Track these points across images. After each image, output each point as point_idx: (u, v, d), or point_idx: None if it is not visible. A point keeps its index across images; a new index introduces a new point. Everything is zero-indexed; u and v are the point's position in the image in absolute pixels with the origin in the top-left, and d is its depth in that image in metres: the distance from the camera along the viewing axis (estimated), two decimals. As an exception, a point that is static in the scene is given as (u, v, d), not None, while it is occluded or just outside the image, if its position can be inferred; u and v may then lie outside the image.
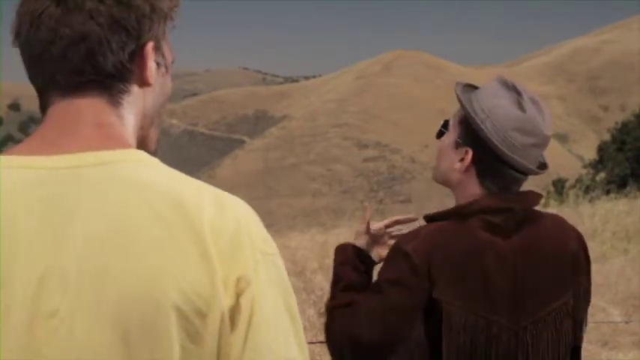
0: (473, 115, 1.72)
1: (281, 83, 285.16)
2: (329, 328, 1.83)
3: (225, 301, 0.93)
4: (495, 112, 1.70)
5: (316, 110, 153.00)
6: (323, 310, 7.45)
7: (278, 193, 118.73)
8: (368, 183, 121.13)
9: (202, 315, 0.92)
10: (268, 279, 0.98)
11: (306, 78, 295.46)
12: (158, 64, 1.08)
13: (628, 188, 15.95)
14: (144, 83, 1.06)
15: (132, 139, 1.06)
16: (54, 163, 0.96)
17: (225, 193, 1.02)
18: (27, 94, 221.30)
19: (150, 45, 1.04)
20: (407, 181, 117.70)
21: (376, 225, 2.00)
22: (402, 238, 1.74)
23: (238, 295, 0.94)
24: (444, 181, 1.87)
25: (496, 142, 1.68)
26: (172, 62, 1.14)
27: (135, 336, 0.90)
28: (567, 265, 1.78)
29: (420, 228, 1.75)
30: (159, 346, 0.91)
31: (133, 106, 1.06)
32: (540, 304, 1.72)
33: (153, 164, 1.01)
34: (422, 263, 1.64)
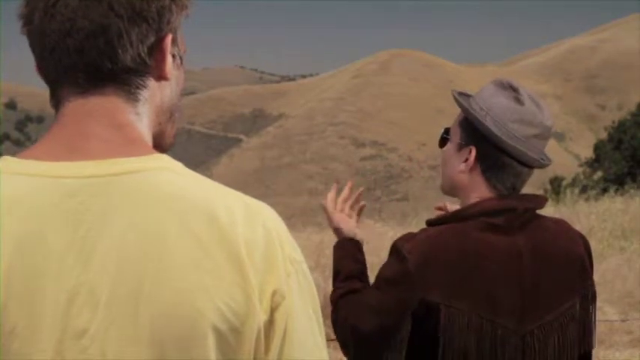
0: (473, 112, 1.73)
1: (278, 82, 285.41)
2: (335, 320, 1.84)
3: (261, 317, 0.92)
4: (494, 108, 1.72)
5: (313, 109, 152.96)
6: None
7: (275, 191, 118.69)
8: (365, 181, 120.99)
9: (238, 332, 0.90)
10: (300, 290, 0.97)
11: (303, 77, 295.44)
12: (173, 57, 1.05)
13: (625, 187, 15.95)
14: (161, 77, 1.02)
15: (149, 136, 1.03)
16: (80, 171, 0.92)
17: (253, 201, 0.99)
18: (23, 92, 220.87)
19: (169, 38, 1.01)
20: (404, 179, 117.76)
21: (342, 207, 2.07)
22: (401, 238, 1.74)
23: (273, 310, 0.93)
24: (450, 187, 1.86)
25: (498, 134, 1.69)
26: (185, 52, 1.10)
27: (170, 356, 0.88)
28: (574, 269, 1.78)
29: (420, 230, 1.76)
30: None
31: (151, 102, 1.03)
32: (547, 307, 1.71)
33: (181, 172, 0.97)
34: (416, 265, 1.63)
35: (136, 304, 0.88)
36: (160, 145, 1.06)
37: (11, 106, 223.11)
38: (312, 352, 0.97)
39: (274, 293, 0.93)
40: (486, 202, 1.72)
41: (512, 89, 1.76)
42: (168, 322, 0.88)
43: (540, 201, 1.78)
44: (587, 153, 38.36)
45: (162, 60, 1.01)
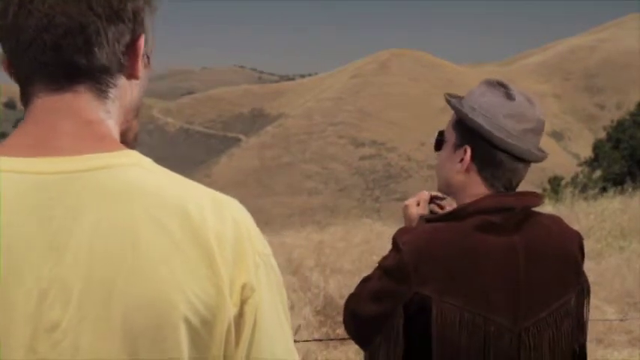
0: (464, 111, 1.76)
1: (277, 81, 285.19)
2: (347, 299, 1.88)
3: (231, 310, 0.93)
4: (485, 105, 1.74)
5: (312, 108, 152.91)
6: (319, 308, 7.41)
7: (274, 191, 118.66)
8: (364, 181, 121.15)
9: (210, 325, 0.91)
10: (268, 282, 0.98)
11: (302, 76, 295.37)
12: (142, 56, 1.05)
13: (624, 186, 15.96)
14: (133, 76, 1.03)
15: (117, 134, 1.04)
16: (50, 167, 0.92)
17: (221, 196, 1.01)
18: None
19: (143, 38, 1.02)
20: (403, 179, 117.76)
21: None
22: (399, 231, 1.77)
23: (243, 303, 0.94)
24: (447, 188, 1.88)
25: (489, 129, 1.70)
26: (152, 52, 1.11)
27: (143, 348, 0.89)
28: (568, 265, 1.79)
29: (418, 224, 1.80)
30: (167, 357, 0.90)
31: (119, 100, 1.03)
32: (542, 304, 1.72)
33: (150, 168, 0.98)
34: (410, 258, 1.65)
35: (109, 298, 0.88)
36: (125, 141, 1.06)
37: (11, 105, 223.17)
38: (280, 343, 0.98)
39: (244, 286, 0.94)
40: (484, 200, 1.72)
41: (501, 86, 1.78)
42: (141, 314, 0.88)
43: (538, 199, 1.79)
44: (586, 152, 38.39)
45: (135, 59, 1.02)
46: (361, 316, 1.76)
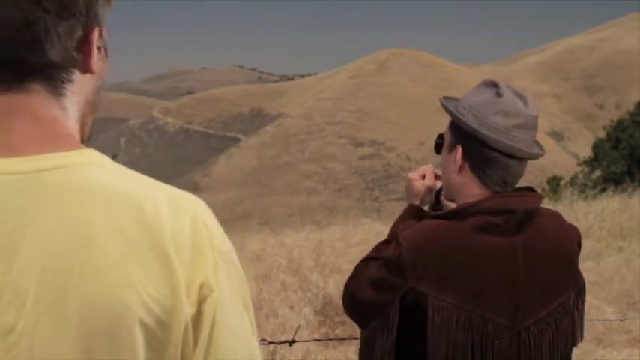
0: (456, 113, 1.77)
1: (276, 81, 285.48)
2: (347, 280, 1.88)
3: (188, 310, 0.92)
4: (475, 104, 1.75)
5: (311, 108, 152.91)
6: (318, 308, 7.40)
7: (273, 191, 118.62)
8: (363, 181, 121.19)
9: (166, 326, 0.90)
10: (228, 280, 0.97)
11: (302, 76, 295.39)
12: (99, 49, 1.04)
13: (623, 186, 15.97)
14: (88, 70, 1.01)
15: (76, 130, 1.03)
16: (6, 168, 0.91)
17: (180, 193, 1.00)
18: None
19: (96, 31, 1.00)
20: (402, 179, 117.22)
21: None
22: (402, 225, 1.80)
23: (201, 302, 0.93)
24: (447, 190, 1.90)
25: (476, 127, 1.71)
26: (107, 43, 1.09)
27: (98, 350, 0.88)
28: (567, 264, 1.80)
29: (422, 221, 1.79)
30: (122, 357, 0.89)
31: (76, 95, 1.02)
32: (541, 303, 1.73)
33: (109, 166, 0.97)
34: (408, 253, 1.66)
35: (64, 299, 0.87)
36: (80, 136, 1.05)
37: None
38: (242, 342, 0.98)
39: (202, 285, 0.93)
40: (489, 201, 1.72)
41: (493, 86, 1.78)
42: (95, 315, 0.87)
43: (539, 199, 1.79)
44: (586, 152, 38.38)
45: (89, 54, 1.00)
46: (360, 299, 1.77)
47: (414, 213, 1.98)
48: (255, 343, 1.01)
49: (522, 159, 1.76)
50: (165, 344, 0.91)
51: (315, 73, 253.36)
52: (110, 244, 0.89)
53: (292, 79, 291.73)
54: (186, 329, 0.92)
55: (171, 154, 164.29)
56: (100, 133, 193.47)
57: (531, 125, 1.75)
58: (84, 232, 0.89)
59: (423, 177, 2.05)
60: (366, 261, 1.85)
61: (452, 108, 1.80)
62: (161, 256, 0.91)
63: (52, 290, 0.87)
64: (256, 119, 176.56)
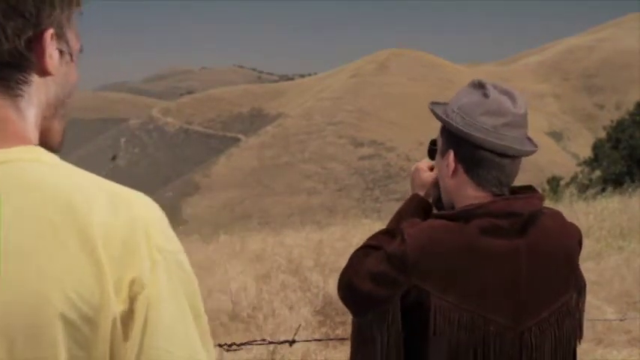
0: (444, 117, 1.79)
1: (276, 81, 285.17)
2: (346, 264, 1.87)
3: (117, 307, 0.90)
4: (464, 106, 1.77)
5: (311, 108, 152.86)
6: (318, 308, 7.41)
7: (273, 191, 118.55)
8: (363, 181, 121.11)
9: (92, 322, 0.88)
10: (169, 279, 0.94)
11: (302, 76, 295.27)
12: (62, 52, 1.03)
13: (623, 186, 15.97)
14: (44, 72, 1.00)
15: (33, 132, 1.01)
16: None
17: (124, 190, 0.98)
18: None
19: (49, 32, 0.99)
20: (402, 179, 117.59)
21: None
22: (407, 222, 1.78)
23: (132, 300, 0.91)
24: (445, 195, 1.90)
25: (467, 130, 1.73)
26: (80, 50, 1.09)
27: (20, 345, 0.87)
28: (569, 264, 1.81)
29: (427, 220, 1.80)
30: (44, 355, 0.87)
31: (34, 97, 1.01)
32: (543, 304, 1.74)
33: (53, 163, 0.96)
34: (412, 251, 1.67)
35: None
36: (47, 142, 1.05)
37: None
38: (182, 343, 0.94)
39: (133, 282, 0.91)
40: (494, 204, 1.73)
41: (480, 86, 1.80)
42: (16, 310, 0.87)
43: (542, 201, 1.81)
44: (586, 152, 38.38)
45: (42, 55, 0.99)
46: (358, 290, 1.77)
47: (418, 204, 1.98)
48: (199, 348, 0.97)
49: (515, 157, 1.77)
50: (92, 341, 0.89)
51: (315, 73, 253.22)
52: (38, 239, 0.88)
53: (292, 79, 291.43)
54: (114, 326, 0.90)
55: (171, 154, 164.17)
56: (100, 133, 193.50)
57: (520, 123, 1.76)
58: (13, 227, 0.88)
59: (431, 169, 2.03)
60: (364, 249, 1.85)
61: (440, 112, 1.81)
62: (88, 252, 0.89)
63: None
64: (256, 119, 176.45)
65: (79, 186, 0.94)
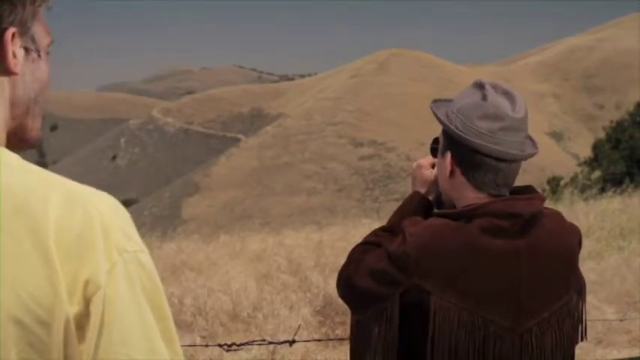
0: (444, 120, 1.79)
1: (276, 81, 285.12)
2: (344, 264, 1.88)
3: (70, 308, 0.87)
4: (463, 108, 1.76)
5: (311, 108, 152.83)
6: (318, 308, 7.43)
7: (273, 191, 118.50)
8: (363, 181, 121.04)
9: (45, 324, 0.86)
10: (128, 279, 0.92)
11: (302, 76, 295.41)
12: (27, 50, 1.02)
13: (623, 186, 15.97)
14: (8, 72, 0.99)
15: (1, 132, 1.01)
16: None
17: (84, 188, 0.97)
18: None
19: (10, 31, 0.97)
20: (402, 179, 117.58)
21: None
22: (408, 221, 1.78)
23: (87, 300, 0.88)
24: (444, 195, 1.90)
25: (463, 135, 1.73)
26: (49, 44, 1.08)
27: None
28: (569, 265, 1.81)
29: (429, 219, 1.79)
30: None
31: (0, 97, 1.00)
32: (544, 305, 1.74)
33: (13, 164, 0.95)
34: (414, 250, 1.67)
35: None
36: (23, 139, 1.05)
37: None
38: (140, 345, 0.91)
39: (87, 282, 0.88)
40: (495, 204, 1.73)
41: (480, 88, 1.79)
42: None
43: (543, 202, 1.81)
44: (586, 152, 38.34)
45: (4, 54, 0.98)
46: (358, 287, 1.77)
47: (419, 202, 1.97)
48: (161, 349, 0.94)
49: (512, 161, 1.76)
50: (46, 343, 0.87)
51: (315, 73, 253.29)
52: None
53: (292, 79, 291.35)
54: (67, 328, 0.87)
55: (171, 154, 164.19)
56: (100, 133, 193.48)
57: (519, 126, 1.75)
58: None
59: (433, 166, 2.02)
60: (364, 245, 1.86)
61: (441, 113, 1.81)
62: (42, 253, 0.87)
63: None
64: (256, 119, 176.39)
65: (35, 186, 0.92)
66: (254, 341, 3.30)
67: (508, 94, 1.76)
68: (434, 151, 1.96)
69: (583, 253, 1.89)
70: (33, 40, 1.03)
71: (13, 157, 0.96)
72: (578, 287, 1.84)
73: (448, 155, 1.79)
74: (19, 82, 1.03)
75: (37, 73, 1.06)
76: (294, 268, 7.94)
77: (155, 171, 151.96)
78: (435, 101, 1.90)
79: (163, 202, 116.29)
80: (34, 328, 0.86)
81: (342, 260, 1.91)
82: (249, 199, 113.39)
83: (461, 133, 1.73)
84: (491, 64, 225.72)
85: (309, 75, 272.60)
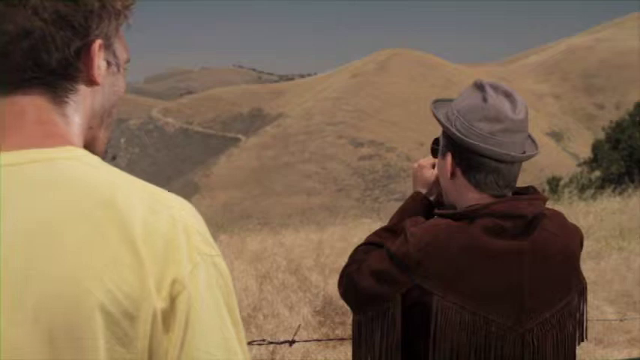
0: (444, 121, 1.78)
1: (276, 81, 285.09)
2: (348, 262, 1.88)
3: (158, 304, 0.91)
4: (463, 110, 1.76)
5: (311, 108, 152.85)
6: (318, 308, 7.41)
7: (273, 191, 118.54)
8: (363, 181, 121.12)
9: (131, 317, 0.89)
10: (208, 281, 0.96)
11: (302, 76, 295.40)
12: (109, 63, 1.06)
13: (623, 186, 15.98)
14: (91, 82, 1.03)
15: (77, 138, 1.04)
16: None
17: (165, 193, 1.00)
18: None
19: (97, 43, 1.01)
20: (402, 179, 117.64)
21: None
22: (410, 221, 1.77)
23: (173, 299, 0.92)
24: (445, 196, 1.90)
25: (463, 137, 1.72)
26: (127, 61, 1.12)
27: (60, 337, 0.87)
28: (571, 265, 1.81)
29: (431, 219, 1.79)
30: (83, 347, 0.88)
31: (80, 105, 1.03)
32: (545, 305, 1.74)
33: (92, 163, 0.99)
34: (416, 251, 1.67)
35: (25, 285, 0.87)
36: (92, 151, 1.05)
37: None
38: (219, 346, 0.95)
39: (174, 282, 0.92)
40: (497, 205, 1.72)
41: (480, 89, 1.78)
42: (55, 302, 0.87)
43: (544, 202, 1.81)
44: (586, 152, 38.36)
45: (90, 65, 1.01)
46: (360, 286, 1.77)
47: (420, 202, 1.98)
48: (238, 350, 0.98)
49: (512, 162, 1.77)
50: (131, 336, 0.90)
51: (315, 73, 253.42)
52: (75, 233, 0.90)
53: (292, 79, 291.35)
54: (154, 321, 0.91)
55: (171, 154, 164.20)
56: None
57: (519, 128, 1.75)
58: (48, 222, 0.90)
59: (434, 166, 2.02)
60: (366, 246, 1.87)
61: (442, 115, 1.81)
62: (129, 246, 0.91)
63: (11, 280, 0.88)
64: (256, 119, 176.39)
65: (120, 185, 0.96)
66: (254, 341, 3.29)
67: (508, 96, 1.76)
68: (434, 152, 1.96)
69: (583, 253, 1.91)
70: (114, 54, 1.07)
71: (95, 159, 1.00)
72: (579, 288, 1.83)
73: (449, 156, 1.79)
74: (99, 93, 1.06)
75: (114, 86, 1.09)
76: (293, 268, 7.94)
77: (155, 171, 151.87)
78: (435, 102, 1.89)
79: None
80: (120, 320, 0.89)
81: (342, 260, 1.91)
82: (249, 199, 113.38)
83: (461, 135, 1.73)
84: (491, 64, 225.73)
85: (309, 75, 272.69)
